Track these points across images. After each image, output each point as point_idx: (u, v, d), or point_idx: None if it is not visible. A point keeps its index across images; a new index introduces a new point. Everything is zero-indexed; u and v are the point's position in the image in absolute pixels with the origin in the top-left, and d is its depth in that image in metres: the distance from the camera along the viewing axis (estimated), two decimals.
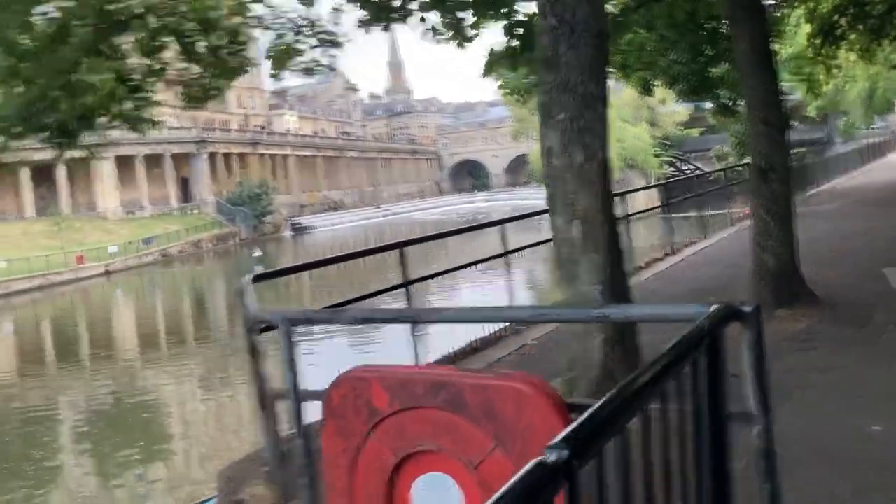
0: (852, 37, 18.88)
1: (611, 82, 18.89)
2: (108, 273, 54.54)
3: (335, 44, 10.33)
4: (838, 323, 6.79)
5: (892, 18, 15.29)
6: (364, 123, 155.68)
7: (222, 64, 9.43)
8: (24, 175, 67.98)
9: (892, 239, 11.03)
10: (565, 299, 5.14)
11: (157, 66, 8.77)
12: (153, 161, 75.53)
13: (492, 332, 7.85)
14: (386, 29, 8.72)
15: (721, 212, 15.98)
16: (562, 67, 4.85)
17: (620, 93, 58.27)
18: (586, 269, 4.97)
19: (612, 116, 46.88)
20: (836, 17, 16.00)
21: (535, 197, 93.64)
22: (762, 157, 7.44)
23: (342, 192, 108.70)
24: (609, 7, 10.40)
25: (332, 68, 10.61)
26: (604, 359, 4.89)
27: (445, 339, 7.23)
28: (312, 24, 10.25)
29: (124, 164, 72.31)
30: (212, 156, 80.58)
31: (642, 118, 61.13)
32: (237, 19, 9.62)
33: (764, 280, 7.46)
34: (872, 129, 58.77)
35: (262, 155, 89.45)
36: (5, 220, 65.29)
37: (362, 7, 8.49)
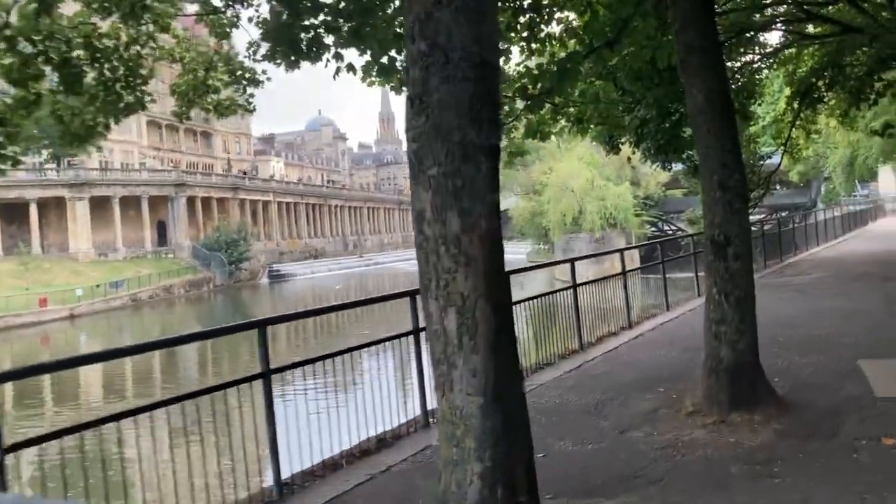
0: (832, 102, 18.14)
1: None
2: (72, 317, 52.76)
3: (253, 82, 9.21)
4: (802, 434, 5.54)
5: (871, 82, 14.44)
6: (352, 173, 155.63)
7: (115, 98, 8.25)
8: None
9: (872, 323, 9.84)
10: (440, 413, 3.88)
11: (31, 97, 7.57)
12: (130, 203, 74.28)
13: (396, 425, 6.56)
14: (291, 66, 7.61)
15: (687, 275, 14.79)
16: (433, 107, 3.68)
17: (603, 150, 57.87)
18: (463, 375, 3.72)
19: (593, 175, 45.99)
20: (813, 80, 15.17)
21: (516, 251, 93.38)
22: (718, 228, 6.28)
23: (324, 240, 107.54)
24: (561, 53, 9.37)
25: (249, 109, 9.47)
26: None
27: (339, 435, 5.90)
28: (228, 60, 9.14)
29: (99, 204, 71.05)
30: (190, 200, 79.39)
31: (625, 177, 60.56)
32: (137, 49, 8.49)
33: (717, 375, 6.22)
34: (854, 196, 58.50)
35: (242, 200, 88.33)
36: None
37: (264, 39, 7.39)
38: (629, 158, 17.11)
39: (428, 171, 3.73)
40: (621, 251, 11.37)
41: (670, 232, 63.80)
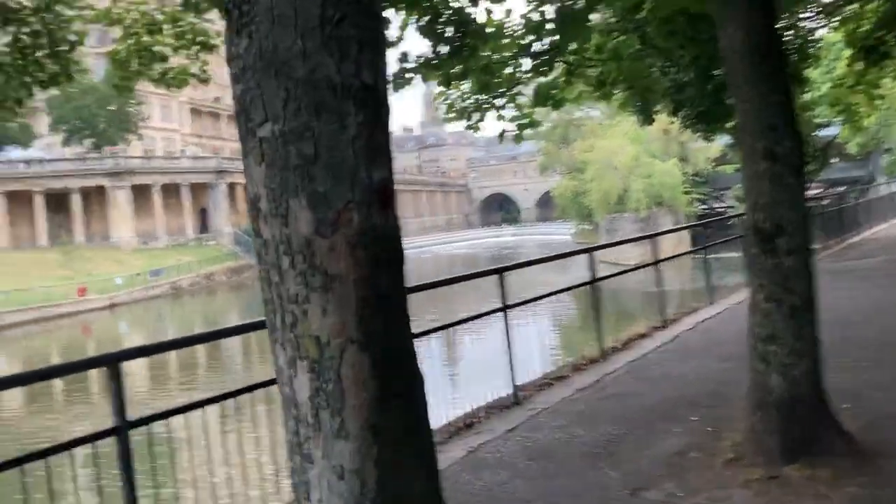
0: None
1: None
2: (112, 306, 52.70)
3: (206, 46, 7.77)
4: (889, 499, 3.91)
5: None
6: (394, 156, 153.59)
7: (35, 68, 6.89)
8: (39, 202, 66.97)
9: None
10: None
11: None
12: (171, 191, 74.24)
13: None
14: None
15: (733, 254, 12.87)
16: (261, 20, 2.16)
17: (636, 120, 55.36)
18: (324, 475, 2.21)
19: (638, 151, 43.75)
20: (881, 33, 13.14)
21: (560, 232, 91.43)
22: (764, 212, 4.62)
23: None
24: None
25: (203, 79, 8.05)
26: None
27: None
28: (174, 20, 7.71)
29: (141, 193, 71.11)
30: (231, 186, 79.04)
31: (673, 153, 58.04)
32: (60, 9, 7.10)
33: (765, 412, 4.59)
34: None
35: None
36: (20, 249, 64.15)
37: None
38: (665, 131, 15.15)
39: (259, 130, 2.21)
40: (652, 236, 9.68)
41: (721, 210, 61.24)
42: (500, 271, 6.70)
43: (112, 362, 3.82)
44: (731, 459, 4.68)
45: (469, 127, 8.84)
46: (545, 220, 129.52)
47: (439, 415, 6.00)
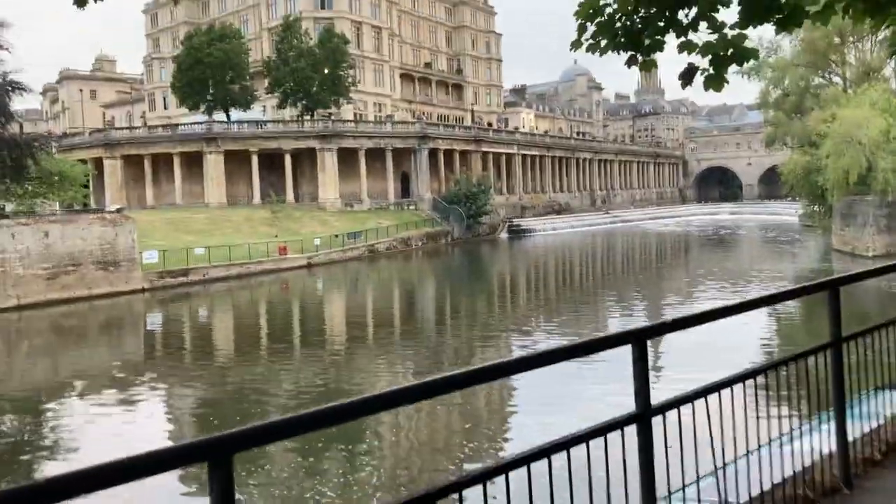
0: None
1: None
2: (309, 265, 53.67)
3: None
4: None
5: None
6: (605, 124, 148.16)
7: None
8: (254, 162, 70.12)
9: None
10: None
11: None
12: (375, 154, 74.96)
13: None
14: None
15: None
16: None
17: None
18: None
19: (890, 124, 35.33)
20: None
21: (786, 212, 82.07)
22: None
23: (570, 194, 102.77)
24: None
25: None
26: None
27: None
28: None
29: (347, 156, 72.31)
30: (433, 152, 78.53)
31: None
32: None
33: None
34: None
35: (485, 153, 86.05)
36: (235, 206, 67.70)
37: None
38: None
39: None
40: None
41: None
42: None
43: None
44: None
45: (630, 62, 5.44)
46: (769, 198, 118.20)
47: None
